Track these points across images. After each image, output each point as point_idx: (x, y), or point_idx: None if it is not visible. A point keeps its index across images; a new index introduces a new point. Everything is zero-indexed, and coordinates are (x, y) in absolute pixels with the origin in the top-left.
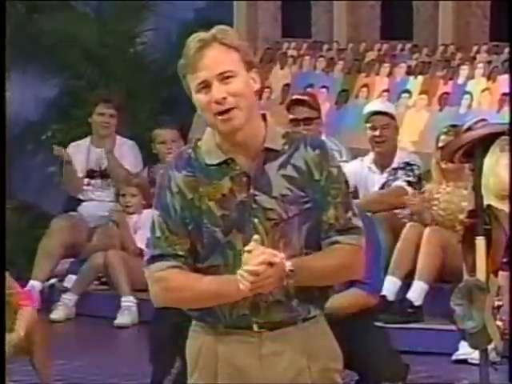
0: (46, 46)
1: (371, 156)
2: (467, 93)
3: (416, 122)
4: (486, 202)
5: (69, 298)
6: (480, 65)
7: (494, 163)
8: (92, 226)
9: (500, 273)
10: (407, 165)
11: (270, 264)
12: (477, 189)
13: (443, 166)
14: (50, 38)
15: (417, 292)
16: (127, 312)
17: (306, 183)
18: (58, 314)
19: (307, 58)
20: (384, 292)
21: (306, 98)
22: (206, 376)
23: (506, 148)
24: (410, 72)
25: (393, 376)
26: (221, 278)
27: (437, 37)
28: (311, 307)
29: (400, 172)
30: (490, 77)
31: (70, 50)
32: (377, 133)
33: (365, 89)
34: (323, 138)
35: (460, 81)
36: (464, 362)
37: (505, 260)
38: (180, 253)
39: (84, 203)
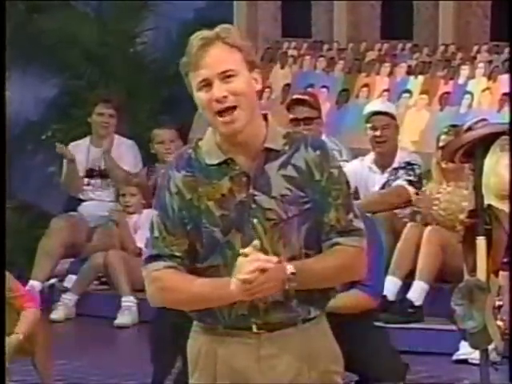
0: (46, 46)
1: (372, 156)
2: (468, 92)
3: (416, 121)
4: (486, 202)
5: (69, 298)
6: (480, 64)
7: (494, 163)
8: (92, 226)
9: (500, 273)
10: (408, 164)
11: (263, 270)
12: (477, 189)
13: (443, 165)
14: (50, 38)
15: (417, 292)
16: (127, 312)
17: (306, 183)
18: (58, 314)
19: (307, 57)
20: (384, 292)
21: (306, 97)
22: (205, 377)
23: (507, 148)
24: (410, 72)
25: (393, 376)
26: (215, 281)
27: (437, 36)
28: (311, 308)
29: (401, 172)
30: (490, 76)
31: (70, 49)
32: (377, 133)
33: (365, 88)
34: (323, 137)
35: (460, 80)
36: (464, 362)
37: (505, 260)
38: (177, 253)
39: (84, 203)
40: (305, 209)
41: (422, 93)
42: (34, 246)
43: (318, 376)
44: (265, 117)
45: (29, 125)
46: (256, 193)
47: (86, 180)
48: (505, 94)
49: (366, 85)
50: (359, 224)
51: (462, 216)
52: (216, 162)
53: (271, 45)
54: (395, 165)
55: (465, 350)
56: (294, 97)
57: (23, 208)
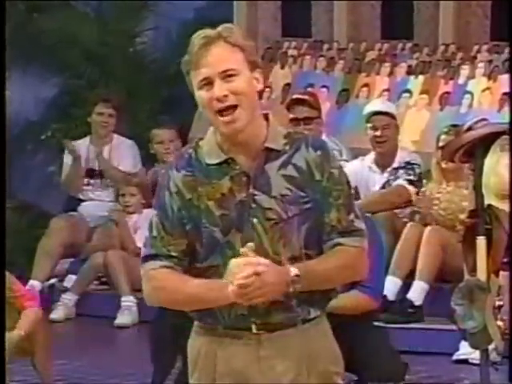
0: (46, 46)
1: (372, 156)
2: (468, 92)
3: (417, 121)
4: (486, 202)
5: (69, 298)
6: (481, 64)
7: (494, 163)
8: (92, 226)
9: (501, 273)
10: (408, 164)
11: (258, 274)
12: (477, 188)
13: (443, 165)
14: (50, 38)
15: (417, 292)
16: (127, 312)
17: (307, 183)
18: (58, 313)
19: (308, 57)
20: (384, 292)
21: (306, 97)
22: (205, 377)
23: (507, 147)
24: (410, 72)
25: (392, 376)
26: (211, 283)
27: (437, 36)
28: (311, 308)
29: (401, 171)
30: (490, 76)
31: (70, 49)
32: (378, 133)
33: (365, 88)
34: (323, 137)
35: (461, 80)
36: (465, 362)
37: (505, 260)
38: (173, 254)
39: (84, 203)
40: (305, 209)
41: (422, 93)
42: (33, 245)
43: (318, 377)
44: (266, 117)
45: (29, 124)
46: (256, 192)
47: (85, 180)
48: (505, 94)
49: (366, 85)
50: (360, 224)
51: (462, 216)
52: (216, 161)
53: (271, 44)
54: (395, 164)
55: (465, 350)
56: (294, 96)
57: (23, 208)
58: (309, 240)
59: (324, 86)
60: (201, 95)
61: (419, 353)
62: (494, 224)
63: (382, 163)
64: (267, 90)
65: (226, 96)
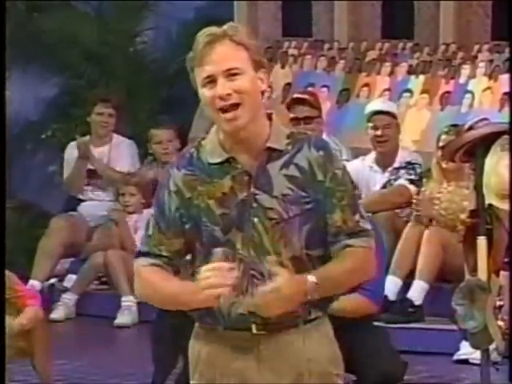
0: (46, 46)
1: (373, 155)
2: (469, 92)
3: (417, 121)
4: (487, 202)
5: (69, 298)
6: (481, 64)
7: (495, 162)
8: (92, 226)
9: (501, 272)
10: (409, 164)
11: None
12: (478, 188)
13: (444, 165)
14: (50, 38)
15: (417, 291)
16: (127, 312)
17: (308, 183)
18: (58, 313)
19: (308, 57)
20: (385, 292)
21: (306, 97)
22: (205, 378)
23: (508, 147)
24: (411, 71)
25: (392, 376)
26: (186, 285)
27: (438, 36)
28: (312, 309)
29: (402, 171)
30: (491, 76)
31: (70, 49)
32: (379, 132)
33: (366, 88)
34: (324, 137)
35: (461, 80)
36: (465, 362)
37: (506, 260)
38: (164, 253)
39: (84, 203)
40: (306, 209)
41: (422, 92)
42: (34, 245)
43: (318, 377)
44: (269, 116)
45: (29, 124)
46: (257, 192)
47: (85, 180)
48: (506, 94)
49: (367, 84)
50: (366, 224)
51: (462, 216)
52: (218, 160)
53: (272, 44)
54: (396, 164)
55: (466, 350)
56: (295, 96)
57: (23, 208)
58: (310, 240)
59: (324, 86)
60: (204, 93)
61: (420, 353)
62: (494, 224)
63: (383, 163)
64: (268, 89)
65: (229, 95)
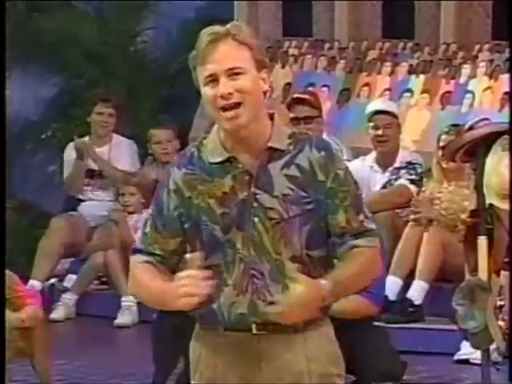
0: (46, 45)
1: (373, 155)
2: (469, 92)
3: (418, 121)
4: (487, 202)
5: (69, 298)
6: (482, 64)
7: (495, 162)
8: (92, 226)
9: (502, 272)
10: (410, 164)
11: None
12: (479, 188)
13: (444, 165)
14: (50, 37)
15: (417, 291)
16: (127, 312)
17: (309, 183)
18: (58, 313)
19: (308, 56)
20: (385, 292)
21: (306, 96)
22: (206, 378)
23: (508, 147)
24: (411, 71)
25: (391, 375)
26: (166, 286)
27: (438, 35)
28: None
29: (402, 171)
30: (491, 76)
31: (70, 49)
32: (379, 132)
33: (366, 88)
34: (324, 136)
35: (462, 80)
36: (466, 362)
37: (507, 260)
38: (157, 252)
39: (83, 203)
40: (307, 209)
41: (423, 92)
42: (34, 245)
43: (318, 378)
44: (271, 116)
45: (29, 124)
46: (258, 191)
47: (85, 180)
48: (506, 94)
49: (367, 84)
50: (371, 224)
51: (463, 215)
52: (219, 159)
53: (272, 44)
54: (397, 164)
55: (466, 350)
56: (295, 96)
57: (23, 208)
58: (310, 241)
59: (325, 86)
60: (206, 91)
61: (420, 353)
62: (495, 224)
63: (384, 163)
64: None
65: (230, 94)
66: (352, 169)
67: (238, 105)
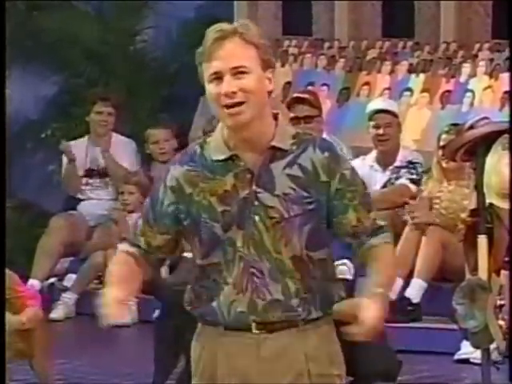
0: (46, 44)
1: (373, 154)
2: (469, 91)
3: (418, 120)
4: (487, 201)
5: (69, 297)
6: (482, 63)
7: (496, 161)
8: (92, 225)
9: (502, 272)
10: (410, 163)
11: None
12: (479, 187)
13: (444, 164)
14: (50, 36)
15: (415, 289)
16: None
17: (311, 184)
18: (57, 313)
19: (308, 55)
20: None
21: (306, 96)
22: (206, 378)
23: (508, 146)
24: (411, 70)
25: (386, 374)
26: (109, 293)
27: (438, 34)
28: (312, 309)
29: (403, 170)
30: (492, 75)
31: (70, 48)
32: (380, 131)
33: (366, 87)
34: (324, 136)
35: (462, 79)
36: (466, 361)
37: (507, 259)
38: (142, 245)
39: (83, 202)
40: (308, 209)
41: (423, 91)
42: (34, 244)
43: (318, 378)
44: (275, 116)
45: (29, 123)
46: (259, 190)
47: (84, 179)
48: (506, 93)
49: (367, 83)
50: (382, 221)
51: (463, 215)
52: (221, 157)
53: (272, 43)
54: (397, 163)
55: (466, 350)
56: (295, 95)
57: (23, 207)
58: (311, 241)
59: (325, 85)
60: (210, 89)
61: (420, 352)
62: (495, 223)
63: (384, 162)
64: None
65: (234, 93)
66: None
67: (241, 104)
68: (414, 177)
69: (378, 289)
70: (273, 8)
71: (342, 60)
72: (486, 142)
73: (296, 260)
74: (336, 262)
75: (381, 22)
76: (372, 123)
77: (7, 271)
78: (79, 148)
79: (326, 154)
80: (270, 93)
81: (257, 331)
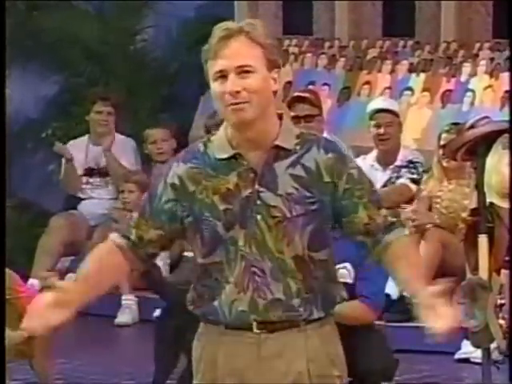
0: (46, 44)
1: (374, 154)
2: (470, 90)
3: (418, 119)
4: (488, 200)
5: None
6: (482, 62)
7: (496, 161)
8: (92, 224)
9: (502, 271)
10: (411, 163)
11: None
12: (479, 187)
13: (445, 164)
14: (50, 36)
15: None
16: (128, 311)
17: (314, 184)
18: None
19: (309, 55)
20: (387, 291)
21: (307, 95)
22: (207, 377)
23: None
24: (412, 69)
25: (382, 374)
26: (77, 277)
27: (439, 34)
28: (314, 309)
29: (403, 170)
30: (492, 74)
31: (70, 47)
32: (381, 130)
33: (367, 86)
34: (324, 135)
35: (462, 78)
36: (466, 361)
37: (507, 258)
38: (132, 237)
39: (83, 201)
40: (311, 209)
41: (423, 90)
42: (34, 244)
43: (318, 379)
44: (280, 116)
45: (29, 123)
46: (262, 189)
47: (84, 179)
48: (507, 92)
49: (368, 82)
50: (393, 217)
51: (463, 214)
52: (225, 156)
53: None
54: (398, 163)
55: (467, 349)
56: (295, 94)
57: (23, 206)
58: (313, 241)
59: (325, 84)
60: (215, 87)
61: (421, 352)
62: (495, 222)
63: (385, 161)
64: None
65: (238, 92)
66: None
67: (244, 103)
68: (415, 176)
69: (433, 287)
70: (273, 7)
71: (343, 59)
72: (487, 141)
73: (298, 260)
74: (337, 266)
75: (381, 22)
76: (373, 122)
77: (7, 271)
78: (79, 147)
79: (330, 154)
80: (274, 93)
81: (258, 331)
